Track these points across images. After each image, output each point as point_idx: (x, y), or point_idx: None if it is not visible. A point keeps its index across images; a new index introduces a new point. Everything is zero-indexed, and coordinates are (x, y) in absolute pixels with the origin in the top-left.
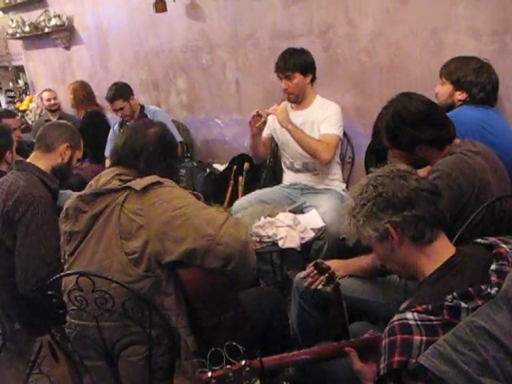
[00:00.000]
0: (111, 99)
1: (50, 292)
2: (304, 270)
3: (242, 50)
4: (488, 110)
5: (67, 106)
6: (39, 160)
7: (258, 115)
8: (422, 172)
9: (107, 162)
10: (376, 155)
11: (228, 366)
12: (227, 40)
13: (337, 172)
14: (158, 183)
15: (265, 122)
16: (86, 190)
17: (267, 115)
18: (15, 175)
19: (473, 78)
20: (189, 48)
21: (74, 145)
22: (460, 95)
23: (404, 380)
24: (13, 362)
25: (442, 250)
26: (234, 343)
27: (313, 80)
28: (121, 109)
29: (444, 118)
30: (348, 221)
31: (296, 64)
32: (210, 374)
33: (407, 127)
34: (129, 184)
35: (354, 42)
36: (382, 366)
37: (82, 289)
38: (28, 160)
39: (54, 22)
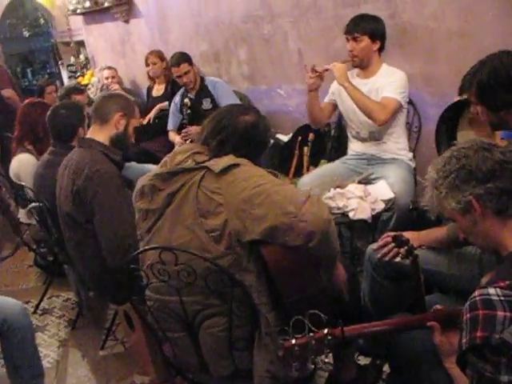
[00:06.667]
0: (177, 63)
1: (133, 266)
2: (373, 241)
3: (304, 18)
4: None
5: (127, 81)
6: (97, 133)
7: (315, 71)
8: None
9: (170, 135)
10: (447, 124)
11: (311, 334)
12: (289, 9)
13: (403, 141)
14: (236, 165)
15: (321, 77)
16: (162, 169)
17: (324, 70)
18: (80, 153)
19: None
20: (250, 18)
21: (127, 113)
22: None
23: (487, 355)
24: (89, 329)
25: None
26: (317, 312)
27: (381, 49)
28: (186, 73)
29: None
30: (430, 193)
31: (366, 27)
32: (293, 341)
33: (501, 89)
34: (205, 164)
35: (421, 7)
36: (463, 340)
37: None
38: (88, 135)
39: None
